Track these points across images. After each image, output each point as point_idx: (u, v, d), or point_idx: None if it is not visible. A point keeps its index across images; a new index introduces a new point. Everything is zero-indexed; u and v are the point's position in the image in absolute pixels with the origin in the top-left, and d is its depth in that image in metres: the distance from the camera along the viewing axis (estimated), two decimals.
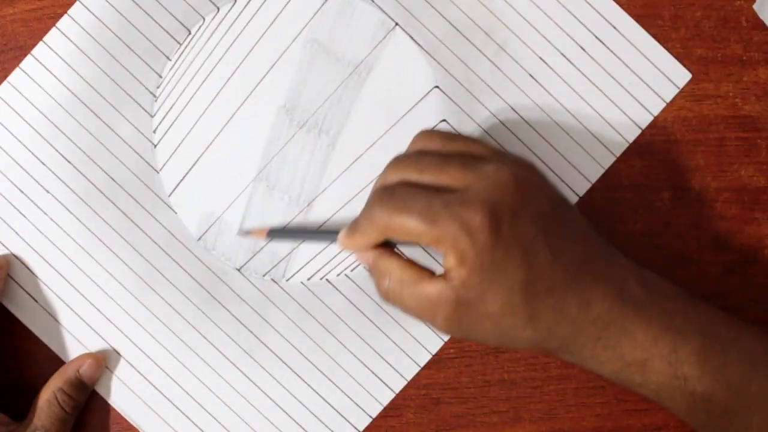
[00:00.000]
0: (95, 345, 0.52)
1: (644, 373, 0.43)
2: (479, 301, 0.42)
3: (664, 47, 0.52)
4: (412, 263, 0.44)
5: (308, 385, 0.52)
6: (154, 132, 0.52)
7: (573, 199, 0.52)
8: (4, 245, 0.52)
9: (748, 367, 0.43)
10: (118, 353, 0.52)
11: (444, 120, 0.52)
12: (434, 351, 0.52)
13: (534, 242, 0.42)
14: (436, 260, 0.51)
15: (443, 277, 0.42)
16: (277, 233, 0.50)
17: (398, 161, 0.44)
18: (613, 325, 0.43)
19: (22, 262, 0.52)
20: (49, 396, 0.50)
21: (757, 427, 0.43)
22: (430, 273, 0.43)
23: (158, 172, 0.52)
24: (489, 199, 0.41)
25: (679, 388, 0.43)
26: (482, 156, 0.44)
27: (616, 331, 0.43)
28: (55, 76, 0.52)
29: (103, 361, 0.52)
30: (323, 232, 0.48)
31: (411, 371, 0.52)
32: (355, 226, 0.44)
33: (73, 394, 0.50)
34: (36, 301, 0.52)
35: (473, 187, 0.42)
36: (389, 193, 0.43)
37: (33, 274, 0.52)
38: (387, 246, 0.45)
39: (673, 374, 0.43)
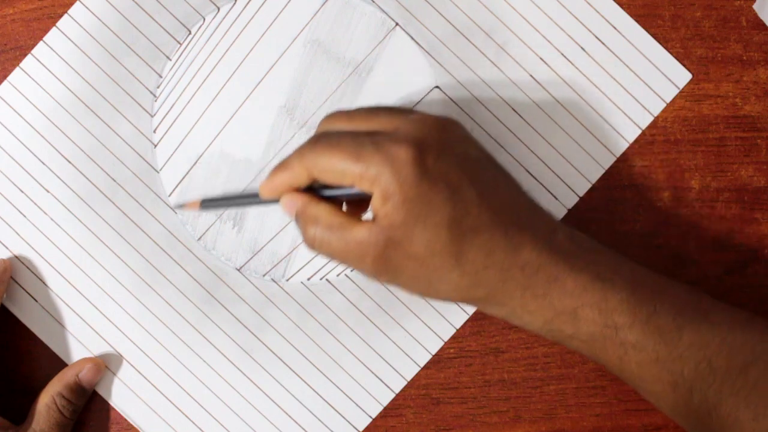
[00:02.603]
0: (95, 345, 0.52)
1: (575, 323, 0.43)
2: (406, 240, 0.42)
3: (664, 47, 0.52)
4: (340, 209, 0.44)
5: (308, 385, 0.52)
6: (154, 132, 0.52)
7: (573, 199, 0.52)
8: (4, 245, 0.52)
9: (677, 317, 0.43)
10: (118, 353, 0.52)
11: None
12: (434, 351, 0.52)
13: (460, 181, 0.42)
14: None
15: (372, 221, 0.43)
16: (209, 202, 0.49)
17: (328, 116, 0.45)
18: (542, 272, 0.43)
19: (22, 262, 0.52)
20: (48, 400, 0.50)
21: (687, 375, 0.43)
22: (358, 219, 0.43)
23: (158, 172, 0.52)
24: (416, 136, 0.42)
25: (610, 337, 0.43)
26: (409, 110, 0.45)
27: (545, 279, 0.43)
28: (55, 75, 0.52)
29: (103, 366, 0.52)
30: (255, 195, 0.46)
31: (411, 371, 0.52)
32: (282, 164, 0.44)
33: (72, 399, 0.50)
34: (36, 301, 0.52)
35: (401, 128, 0.43)
36: (320, 136, 0.44)
37: (33, 273, 0.52)
38: (314, 193, 0.44)
39: (604, 323, 0.43)
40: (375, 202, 0.42)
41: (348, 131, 0.44)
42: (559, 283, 0.43)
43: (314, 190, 0.44)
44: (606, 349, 0.44)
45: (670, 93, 0.52)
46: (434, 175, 0.42)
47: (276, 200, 0.45)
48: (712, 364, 0.43)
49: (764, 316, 0.51)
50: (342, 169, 0.42)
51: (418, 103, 0.52)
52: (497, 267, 0.43)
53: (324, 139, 0.43)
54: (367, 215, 0.45)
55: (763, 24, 0.52)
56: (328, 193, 0.44)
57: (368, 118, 0.44)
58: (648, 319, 0.43)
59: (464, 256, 0.42)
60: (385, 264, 0.43)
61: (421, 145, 0.42)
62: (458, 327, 0.52)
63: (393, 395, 0.52)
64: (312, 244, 0.44)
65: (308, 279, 0.52)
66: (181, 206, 0.49)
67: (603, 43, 0.52)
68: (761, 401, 0.42)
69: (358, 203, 0.47)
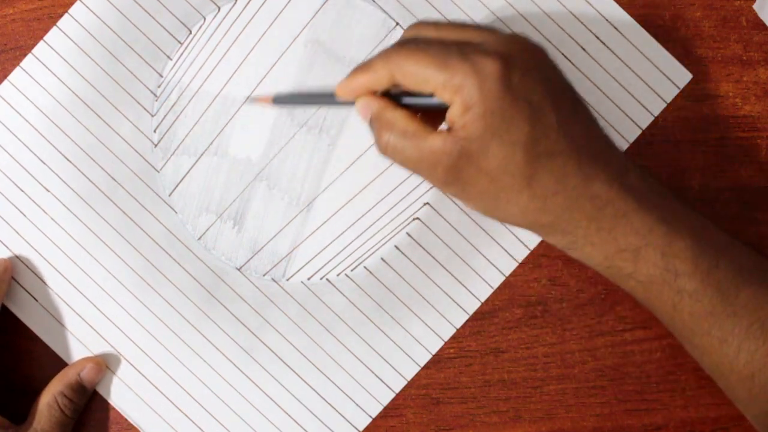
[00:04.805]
0: (95, 344, 0.52)
1: (636, 262, 0.43)
2: (481, 154, 0.42)
3: (664, 47, 0.52)
4: (416, 117, 0.43)
5: (308, 385, 0.52)
6: (155, 131, 0.52)
7: None
8: (4, 244, 0.52)
9: (737, 274, 0.43)
10: (119, 353, 0.52)
11: None
12: (434, 351, 0.52)
13: (542, 103, 0.42)
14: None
15: (447, 131, 0.42)
16: (282, 98, 0.49)
17: (415, 24, 0.45)
18: (611, 206, 0.43)
19: (23, 262, 0.52)
20: (50, 399, 0.50)
21: (738, 334, 0.43)
22: (433, 128, 0.43)
23: (158, 172, 0.52)
24: (505, 51, 0.42)
25: (668, 282, 0.43)
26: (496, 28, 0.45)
27: (613, 213, 0.43)
28: (55, 75, 0.52)
29: (104, 365, 0.52)
30: (331, 95, 0.46)
31: (411, 371, 0.52)
32: (365, 64, 0.44)
33: (73, 398, 0.50)
34: (36, 301, 0.52)
35: (489, 42, 0.42)
36: (407, 40, 0.43)
37: (33, 273, 0.52)
38: (391, 99, 0.44)
39: (665, 267, 0.43)
40: (454, 112, 0.42)
41: (436, 39, 0.43)
42: (626, 220, 0.43)
43: (391, 96, 0.44)
44: (662, 293, 0.44)
45: (670, 93, 0.52)
46: (518, 92, 0.41)
47: (351, 102, 0.45)
48: (765, 327, 0.43)
49: None
50: (426, 75, 0.42)
51: None
52: (567, 195, 0.42)
53: (411, 43, 0.43)
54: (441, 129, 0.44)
55: (763, 24, 0.52)
56: (405, 100, 0.44)
57: (456, 30, 0.44)
58: (709, 271, 0.43)
59: (536, 179, 0.42)
60: (456, 176, 0.43)
61: (508, 61, 0.41)
62: (458, 327, 0.52)
63: (393, 395, 0.52)
64: (385, 150, 0.44)
65: (308, 279, 0.52)
66: (255, 100, 0.50)
67: (603, 43, 0.52)
68: None
69: (431, 116, 0.46)
